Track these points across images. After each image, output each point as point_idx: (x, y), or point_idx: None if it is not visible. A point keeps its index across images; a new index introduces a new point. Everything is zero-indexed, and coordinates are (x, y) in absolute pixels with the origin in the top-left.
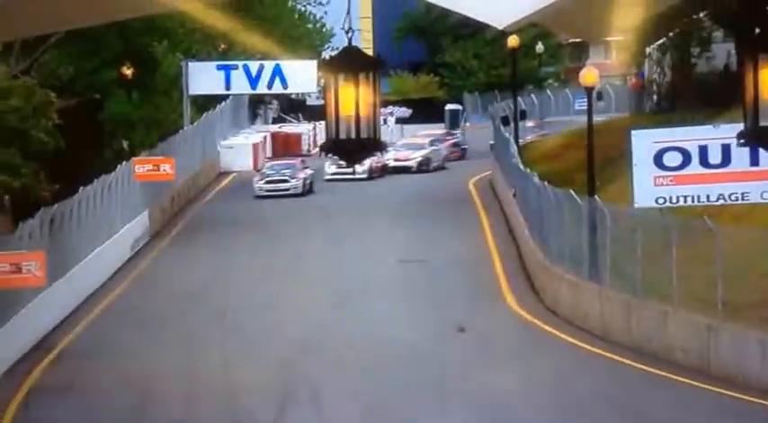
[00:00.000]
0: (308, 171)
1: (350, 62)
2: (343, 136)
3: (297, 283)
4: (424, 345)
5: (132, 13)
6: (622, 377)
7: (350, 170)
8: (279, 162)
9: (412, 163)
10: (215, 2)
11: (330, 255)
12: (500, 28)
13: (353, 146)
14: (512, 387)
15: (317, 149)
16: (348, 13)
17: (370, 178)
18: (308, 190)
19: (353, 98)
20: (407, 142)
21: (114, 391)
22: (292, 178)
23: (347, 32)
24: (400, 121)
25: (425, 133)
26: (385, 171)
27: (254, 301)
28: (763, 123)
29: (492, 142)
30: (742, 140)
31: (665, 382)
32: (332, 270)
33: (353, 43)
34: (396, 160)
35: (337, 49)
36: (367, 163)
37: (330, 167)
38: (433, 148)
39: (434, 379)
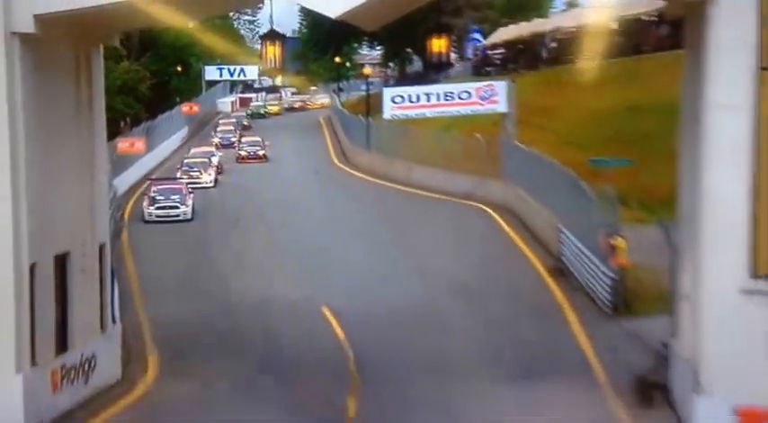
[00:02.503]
0: (193, 195)
1: (272, 36)
2: (269, 67)
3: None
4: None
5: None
6: (379, 188)
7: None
8: (165, 186)
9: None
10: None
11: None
12: (333, 17)
13: (275, 72)
14: (338, 192)
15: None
16: (271, 16)
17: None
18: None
19: (273, 51)
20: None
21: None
22: (182, 204)
23: (271, 23)
24: (293, 94)
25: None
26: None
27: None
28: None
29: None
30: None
31: (396, 190)
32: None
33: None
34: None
35: None
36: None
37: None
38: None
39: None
